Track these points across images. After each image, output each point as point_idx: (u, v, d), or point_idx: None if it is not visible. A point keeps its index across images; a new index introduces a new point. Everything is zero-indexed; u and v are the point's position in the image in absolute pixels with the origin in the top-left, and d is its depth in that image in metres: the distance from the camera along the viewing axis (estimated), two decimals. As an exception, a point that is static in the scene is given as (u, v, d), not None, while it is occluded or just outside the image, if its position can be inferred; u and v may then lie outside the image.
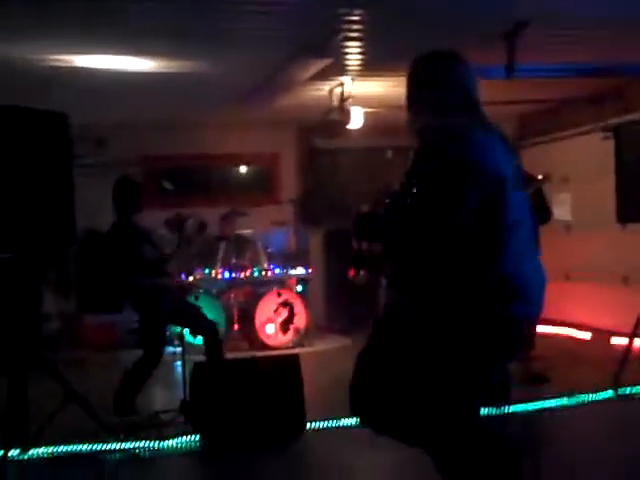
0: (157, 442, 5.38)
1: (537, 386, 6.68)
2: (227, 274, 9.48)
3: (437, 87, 3.13)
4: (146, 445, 5.36)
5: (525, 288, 2.99)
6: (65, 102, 6.42)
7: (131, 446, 5.36)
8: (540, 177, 7.19)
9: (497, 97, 9.17)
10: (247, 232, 9.87)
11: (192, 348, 6.95)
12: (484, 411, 5.71)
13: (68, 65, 7.02)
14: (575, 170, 9.98)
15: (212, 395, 5.45)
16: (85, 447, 5.33)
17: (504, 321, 2.95)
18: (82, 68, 7.14)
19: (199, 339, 6.39)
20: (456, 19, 6.18)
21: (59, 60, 6.87)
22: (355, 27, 6.23)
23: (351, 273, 3.34)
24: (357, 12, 5.87)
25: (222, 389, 5.46)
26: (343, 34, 6.38)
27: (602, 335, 9.04)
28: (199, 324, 6.25)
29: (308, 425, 5.57)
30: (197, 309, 6.32)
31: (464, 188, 2.86)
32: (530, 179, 7.29)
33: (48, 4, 5.42)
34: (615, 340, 8.59)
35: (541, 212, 7.24)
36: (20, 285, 5.36)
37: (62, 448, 5.31)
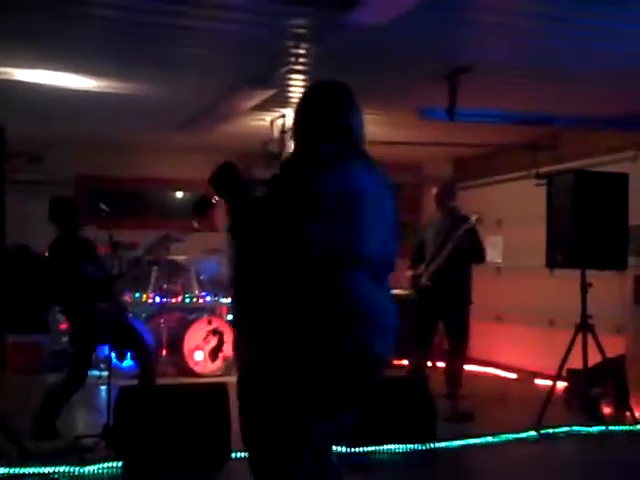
0: (77, 467, 5.25)
1: (463, 423, 6.75)
2: (158, 299, 9.39)
3: (306, 115, 3.09)
4: (66, 470, 5.22)
5: (377, 318, 2.90)
6: (1, 115, 6.33)
7: (51, 470, 5.21)
8: (474, 217, 7.33)
9: (435, 138, 9.35)
10: (180, 258, 9.79)
11: (117, 372, 6.84)
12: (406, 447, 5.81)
13: (7, 78, 6.92)
14: (508, 214, 10.18)
15: (137, 421, 5.37)
16: (3, 470, 5.16)
17: (339, 356, 2.83)
18: (22, 82, 7.04)
19: (126, 363, 6.31)
20: (400, 59, 6.29)
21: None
22: (300, 60, 6.28)
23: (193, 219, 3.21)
24: (304, 46, 5.92)
25: (147, 415, 5.38)
26: (288, 67, 6.41)
27: (527, 376, 9.21)
28: (140, 345, 6.20)
29: (233, 454, 5.51)
30: (136, 330, 6.28)
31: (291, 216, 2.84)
32: (463, 219, 7.44)
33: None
34: (539, 381, 8.77)
35: (475, 252, 7.37)
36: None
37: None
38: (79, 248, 6.12)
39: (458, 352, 7.42)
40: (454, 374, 7.33)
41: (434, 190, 7.82)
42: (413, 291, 7.63)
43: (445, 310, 7.31)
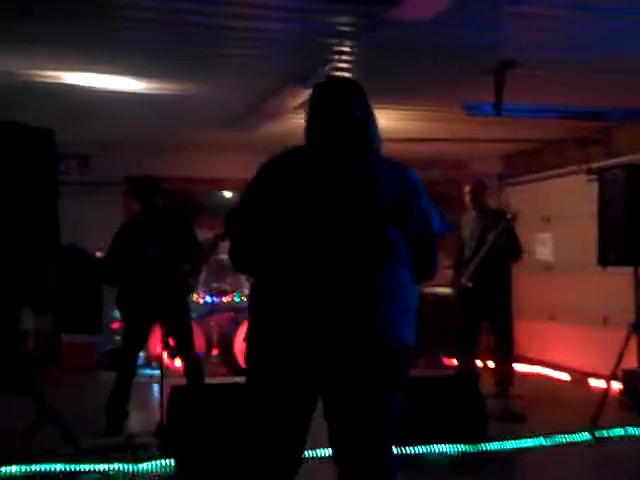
0: (131, 465, 5.31)
1: (514, 424, 6.66)
2: (208, 298, 9.44)
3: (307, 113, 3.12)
4: (120, 468, 5.28)
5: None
6: (51, 118, 6.41)
7: (105, 468, 5.27)
8: (509, 216, 7.28)
9: (483, 134, 9.26)
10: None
11: (170, 371, 6.90)
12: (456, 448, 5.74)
13: (56, 81, 7.00)
14: (557, 211, 10.03)
15: (190, 419, 5.40)
16: (59, 467, 5.24)
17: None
18: (70, 85, 7.12)
19: (177, 362, 6.36)
20: (444, 55, 6.23)
21: (47, 76, 6.85)
22: (345, 58, 6.26)
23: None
24: (347, 43, 5.89)
25: (200, 414, 5.40)
26: (332, 65, 6.40)
27: (581, 376, 9.06)
28: (189, 342, 6.27)
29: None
30: (190, 332, 6.34)
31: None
32: (500, 217, 7.39)
33: (39, 19, 5.41)
34: (593, 382, 8.62)
35: (512, 249, 7.32)
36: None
37: (36, 467, 5.21)
38: (151, 227, 6.19)
39: (506, 350, 7.36)
40: (504, 373, 7.27)
41: (467, 188, 7.76)
42: (454, 291, 7.60)
43: (488, 309, 7.25)
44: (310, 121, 3.09)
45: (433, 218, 3.00)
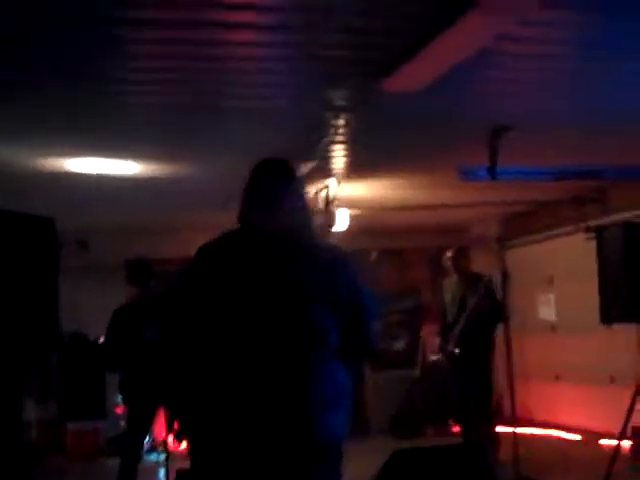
0: None
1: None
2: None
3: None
4: None
5: None
6: (50, 205, 6.45)
7: None
8: (486, 278, 7.29)
9: (480, 198, 9.31)
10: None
11: (176, 455, 6.80)
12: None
13: (56, 170, 7.07)
14: (559, 270, 10.04)
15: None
16: None
17: None
18: (69, 172, 7.19)
19: (183, 445, 6.28)
20: (439, 122, 6.30)
21: (48, 165, 6.92)
22: (340, 131, 6.33)
23: None
24: (342, 116, 5.97)
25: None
26: (329, 138, 6.47)
27: (591, 436, 8.95)
28: None
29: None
30: None
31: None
32: (477, 279, 7.39)
33: (30, 107, 5.50)
34: (604, 441, 8.51)
35: (494, 312, 7.26)
36: (2, 392, 5.27)
37: None
38: (148, 310, 6.16)
39: (487, 413, 7.27)
40: (489, 435, 7.17)
41: (448, 253, 7.79)
42: (443, 358, 7.59)
43: (472, 376, 7.21)
44: (243, 205, 3.05)
45: (364, 293, 2.97)
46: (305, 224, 3.05)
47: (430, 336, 10.46)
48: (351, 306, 2.91)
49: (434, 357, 10.38)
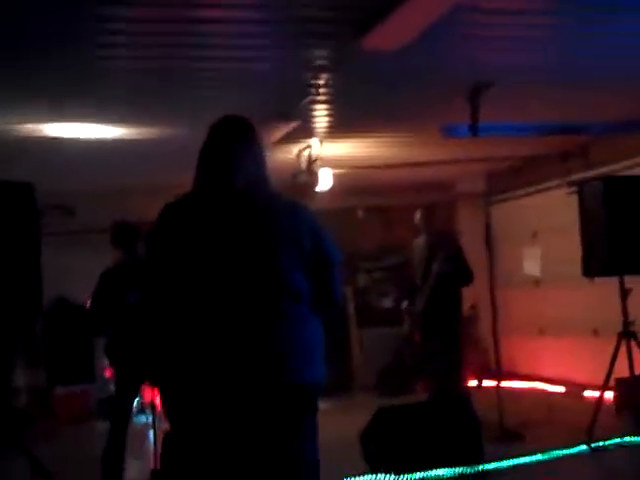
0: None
1: (511, 443, 6.66)
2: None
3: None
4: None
5: None
6: (33, 171, 6.45)
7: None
8: (453, 237, 7.30)
9: (465, 155, 9.33)
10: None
11: (163, 416, 6.86)
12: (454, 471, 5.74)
13: (35, 134, 7.05)
14: (543, 225, 10.10)
15: (183, 465, 5.36)
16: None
17: None
18: (48, 137, 7.17)
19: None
20: (420, 80, 6.30)
21: (26, 129, 6.90)
22: (321, 91, 6.33)
23: None
24: (323, 76, 5.97)
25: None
26: (310, 98, 6.47)
27: (575, 388, 9.09)
28: None
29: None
30: None
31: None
32: (445, 238, 7.40)
33: (14, 73, 5.47)
34: (588, 393, 8.65)
35: (461, 276, 7.25)
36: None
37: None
38: (133, 274, 6.19)
39: (452, 368, 7.28)
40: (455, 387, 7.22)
41: (417, 213, 7.73)
42: (409, 321, 7.58)
43: (438, 339, 7.22)
44: (202, 163, 3.10)
45: (327, 243, 3.05)
46: (264, 178, 3.10)
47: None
48: (315, 253, 2.99)
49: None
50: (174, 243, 2.94)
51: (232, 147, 3.06)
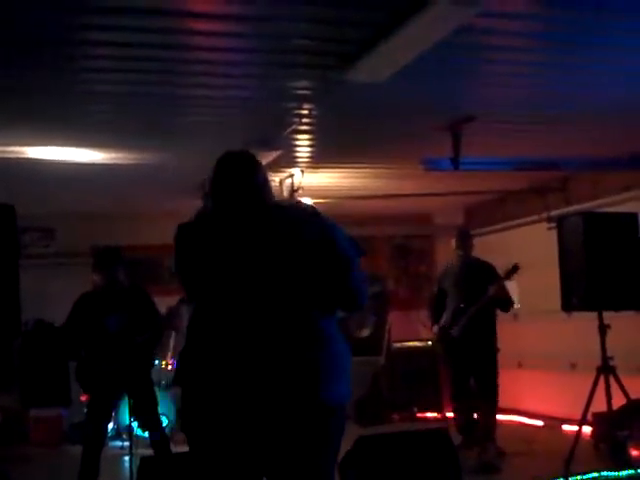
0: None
1: (489, 475, 6.65)
2: (177, 365, 9.36)
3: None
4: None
5: None
6: (13, 192, 6.42)
7: None
8: (511, 267, 7.41)
9: (444, 188, 9.39)
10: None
11: (140, 442, 6.82)
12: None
13: (17, 157, 7.04)
14: (522, 259, 10.12)
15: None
16: None
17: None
18: (30, 159, 7.15)
19: (146, 433, 6.31)
20: (402, 113, 6.35)
21: (8, 152, 6.88)
22: (304, 120, 6.36)
23: None
24: (306, 106, 6.01)
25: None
26: (293, 127, 6.50)
27: (553, 422, 9.10)
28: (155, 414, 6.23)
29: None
30: (156, 403, 6.30)
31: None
32: (485, 267, 7.52)
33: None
34: (566, 427, 8.66)
35: (507, 301, 7.44)
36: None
37: None
38: (112, 299, 6.16)
39: (492, 407, 7.38)
40: (490, 427, 7.30)
41: (453, 238, 7.86)
42: (439, 344, 7.63)
43: (475, 360, 7.30)
44: (215, 191, 3.21)
45: (343, 241, 3.08)
46: (270, 198, 3.25)
47: (395, 324, 10.57)
48: (330, 253, 3.02)
49: (399, 344, 10.51)
50: (197, 260, 3.05)
51: (242, 177, 3.20)
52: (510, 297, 7.51)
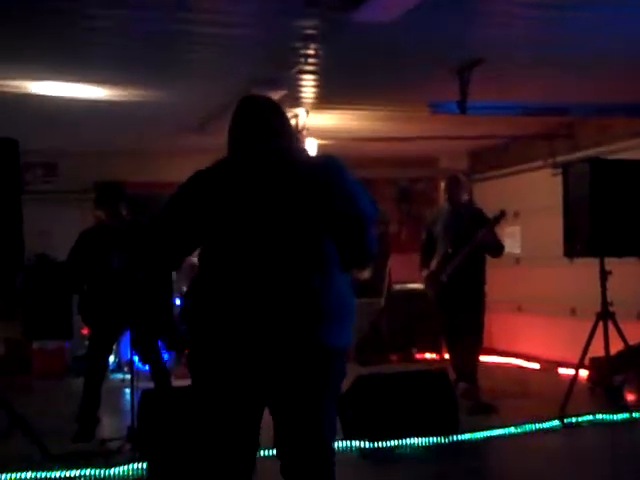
0: (103, 470, 5.30)
1: (485, 416, 6.73)
2: (178, 301, 9.43)
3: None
4: (92, 473, 5.27)
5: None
6: (16, 128, 6.40)
7: (76, 474, 5.26)
8: (499, 213, 7.37)
9: (450, 132, 9.34)
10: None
11: (141, 375, 6.89)
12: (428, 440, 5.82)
13: (20, 91, 6.99)
14: (526, 205, 10.14)
15: (160, 423, 5.40)
16: (29, 475, 5.22)
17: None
18: (33, 94, 7.11)
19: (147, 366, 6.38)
20: (409, 55, 6.29)
21: (10, 86, 6.84)
22: (310, 61, 6.30)
23: None
24: (312, 47, 5.94)
25: (170, 417, 5.41)
26: (298, 67, 6.44)
27: (550, 366, 9.19)
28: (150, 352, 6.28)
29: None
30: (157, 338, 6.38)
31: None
32: (478, 213, 7.49)
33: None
34: (562, 370, 8.75)
35: (497, 247, 7.41)
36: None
37: (6, 476, 5.19)
38: (115, 236, 6.17)
39: (475, 348, 7.42)
40: (472, 369, 7.34)
41: (443, 183, 7.81)
42: (430, 288, 7.64)
43: (464, 306, 7.32)
44: (234, 134, 3.18)
45: (362, 199, 3.04)
46: (294, 145, 3.23)
47: (396, 266, 10.59)
48: (348, 216, 3.00)
49: (398, 286, 10.55)
50: (212, 201, 2.99)
51: (265, 119, 3.14)
52: (500, 242, 7.46)
